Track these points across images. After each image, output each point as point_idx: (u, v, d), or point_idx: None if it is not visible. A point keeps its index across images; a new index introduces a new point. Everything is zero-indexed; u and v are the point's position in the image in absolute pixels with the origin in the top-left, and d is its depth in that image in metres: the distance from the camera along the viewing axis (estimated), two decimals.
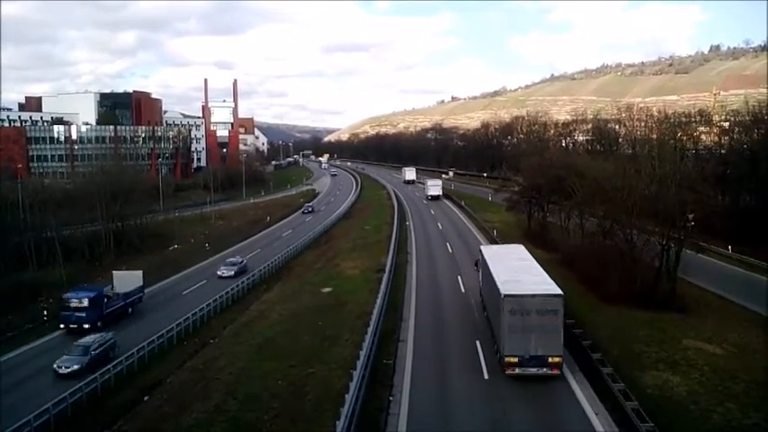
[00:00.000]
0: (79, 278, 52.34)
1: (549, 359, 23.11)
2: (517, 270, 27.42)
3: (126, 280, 41.30)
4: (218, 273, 50.59)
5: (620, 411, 19.86)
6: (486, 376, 23.82)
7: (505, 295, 23.58)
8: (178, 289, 47.66)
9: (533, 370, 23.17)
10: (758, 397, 21.42)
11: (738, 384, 22.57)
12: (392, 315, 32.10)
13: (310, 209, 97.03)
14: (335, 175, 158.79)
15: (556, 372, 23.35)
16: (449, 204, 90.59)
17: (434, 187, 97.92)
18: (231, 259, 54.65)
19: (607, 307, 33.24)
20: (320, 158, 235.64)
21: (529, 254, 31.92)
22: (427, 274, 43.40)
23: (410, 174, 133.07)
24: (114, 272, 42.81)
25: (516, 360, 23.25)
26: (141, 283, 42.36)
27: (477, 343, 27.16)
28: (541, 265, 28.55)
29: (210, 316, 39.35)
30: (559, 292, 23.83)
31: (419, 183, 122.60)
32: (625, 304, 33.02)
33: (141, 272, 43.38)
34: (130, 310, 40.54)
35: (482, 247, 36.14)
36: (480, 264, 33.14)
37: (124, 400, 26.50)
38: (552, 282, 25.37)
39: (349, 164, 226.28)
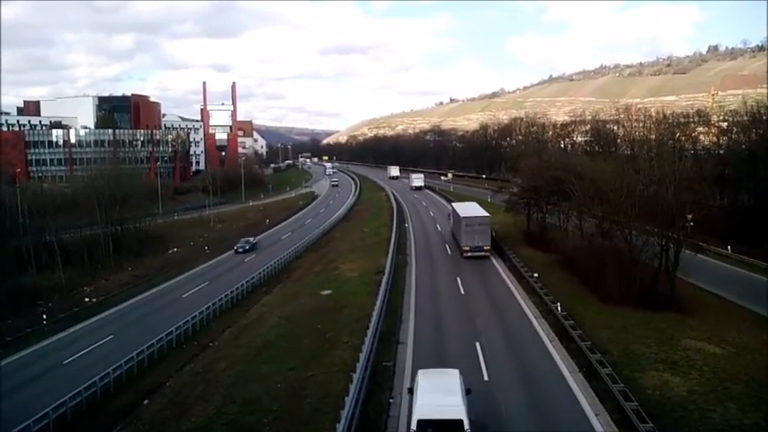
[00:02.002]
0: (78, 282, 52.45)
1: (484, 247, 46.60)
2: (469, 209, 51.69)
3: None
4: None
5: (621, 412, 19.85)
6: (485, 378, 23.79)
7: (463, 217, 47.78)
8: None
9: (476, 253, 46.32)
10: (757, 396, 21.38)
11: (738, 384, 22.53)
12: (391, 317, 32.07)
13: (247, 246, 63.48)
14: (336, 185, 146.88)
15: (487, 254, 46.72)
16: (447, 206, 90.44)
17: (417, 180, 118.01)
18: None
19: (606, 308, 33.25)
20: (324, 163, 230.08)
21: (477, 204, 56.36)
22: (426, 276, 43.27)
23: (394, 171, 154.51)
24: None
25: (468, 248, 46.63)
26: None
27: (477, 345, 27.15)
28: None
29: (210, 319, 39.30)
30: (488, 215, 48.71)
31: (403, 178, 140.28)
32: (624, 305, 33.03)
33: None
34: None
35: (453, 204, 64.42)
36: (451, 213, 57.53)
37: (124, 404, 26.49)
38: (486, 212, 49.69)
39: (337, 164, 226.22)
